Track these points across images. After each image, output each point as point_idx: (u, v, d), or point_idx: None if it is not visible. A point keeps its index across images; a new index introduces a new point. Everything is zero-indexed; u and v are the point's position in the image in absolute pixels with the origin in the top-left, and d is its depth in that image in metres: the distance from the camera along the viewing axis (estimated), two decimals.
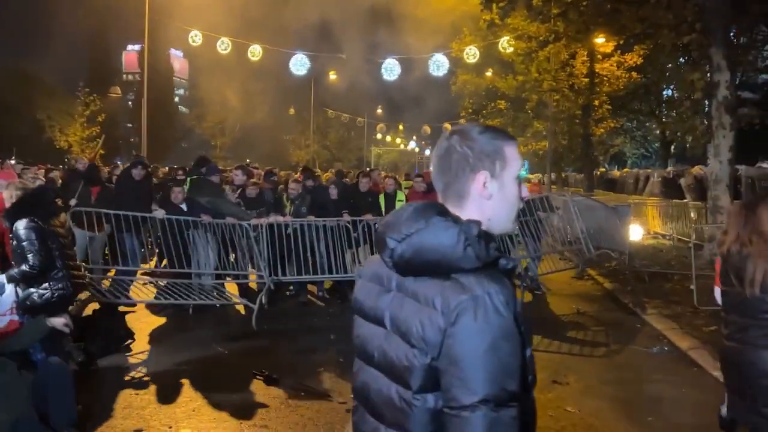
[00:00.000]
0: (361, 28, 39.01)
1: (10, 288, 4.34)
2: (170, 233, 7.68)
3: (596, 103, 22.11)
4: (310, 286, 9.33)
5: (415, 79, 32.30)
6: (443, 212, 1.38)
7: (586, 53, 22.37)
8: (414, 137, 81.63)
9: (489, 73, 31.62)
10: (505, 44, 22.55)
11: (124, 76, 65.26)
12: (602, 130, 24.36)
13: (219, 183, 8.73)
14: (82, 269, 5.41)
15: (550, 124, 23.80)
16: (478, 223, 1.35)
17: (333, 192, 9.18)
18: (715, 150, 11.03)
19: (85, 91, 29.71)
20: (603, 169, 29.65)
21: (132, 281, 7.79)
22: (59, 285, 4.58)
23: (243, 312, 7.99)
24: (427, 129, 53.37)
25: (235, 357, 6.25)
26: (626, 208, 10.79)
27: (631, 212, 10.53)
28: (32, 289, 4.46)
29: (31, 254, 4.35)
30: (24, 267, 4.37)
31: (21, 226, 4.39)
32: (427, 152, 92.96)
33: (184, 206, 8.07)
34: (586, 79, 22.42)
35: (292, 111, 50.38)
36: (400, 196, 9.41)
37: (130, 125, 52.53)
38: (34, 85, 32.37)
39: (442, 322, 1.26)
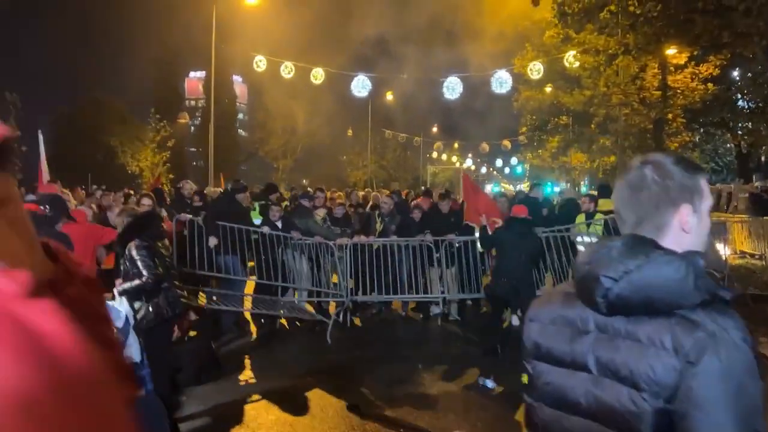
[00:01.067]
0: (420, 46, 39.10)
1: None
2: (268, 250, 8.11)
3: (669, 116, 21.21)
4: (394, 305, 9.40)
5: (472, 96, 32.00)
6: (658, 245, 1.31)
7: (657, 65, 21.59)
8: (470, 155, 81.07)
9: (549, 89, 31.05)
10: (571, 59, 22.07)
11: (187, 102, 67.72)
12: (676, 144, 23.38)
13: (310, 207, 9.07)
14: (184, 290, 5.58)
15: (618, 139, 23.06)
16: (700, 254, 1.29)
17: (417, 215, 9.21)
18: None
19: (156, 118, 30.76)
20: None
21: (237, 295, 8.10)
22: (169, 302, 4.69)
23: (328, 334, 7.86)
24: (485, 147, 52.74)
25: (324, 385, 6.07)
26: (721, 226, 10.13)
27: (728, 230, 9.85)
28: (141, 305, 4.54)
29: (146, 269, 4.50)
30: (138, 281, 4.50)
31: (133, 246, 4.56)
32: (483, 170, 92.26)
33: (279, 224, 8.48)
34: (658, 92, 21.59)
35: (350, 132, 50.89)
36: None
37: (194, 149, 54.27)
38: (107, 113, 33.81)
39: (678, 363, 1.19)
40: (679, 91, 21.21)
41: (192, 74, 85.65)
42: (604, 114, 23.51)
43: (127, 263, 4.54)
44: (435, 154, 68.83)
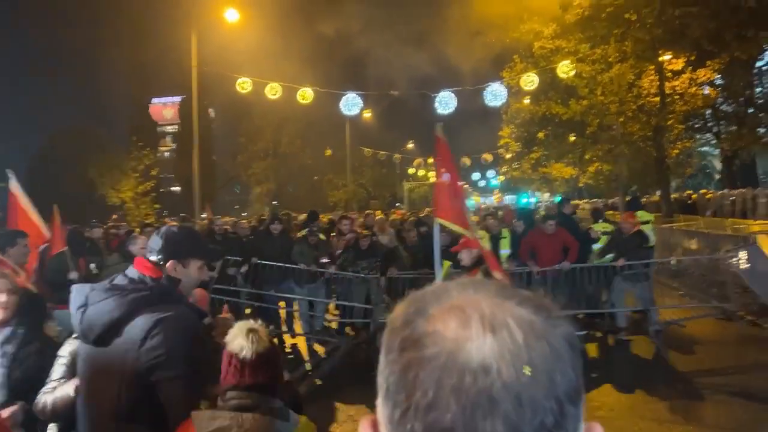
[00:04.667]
0: (403, 61, 38.86)
1: None
2: None
3: (669, 123, 20.95)
4: None
5: (461, 110, 31.65)
6: None
7: (654, 72, 21.42)
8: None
9: (527, 101, 30.83)
10: (565, 68, 21.74)
11: (159, 128, 66.01)
12: (677, 150, 23.23)
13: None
14: None
15: (616, 147, 22.75)
16: None
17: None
18: None
19: (138, 146, 29.31)
20: (690, 192, 28.26)
21: None
22: None
23: None
24: (466, 160, 52.57)
25: None
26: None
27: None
28: None
29: None
30: None
31: None
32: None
33: None
34: (656, 99, 21.37)
35: (329, 152, 50.07)
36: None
37: (165, 176, 52.79)
38: (85, 143, 32.26)
39: None
40: (676, 97, 20.98)
41: (155, 100, 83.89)
42: (598, 123, 23.17)
43: None
44: (411, 170, 68.44)
